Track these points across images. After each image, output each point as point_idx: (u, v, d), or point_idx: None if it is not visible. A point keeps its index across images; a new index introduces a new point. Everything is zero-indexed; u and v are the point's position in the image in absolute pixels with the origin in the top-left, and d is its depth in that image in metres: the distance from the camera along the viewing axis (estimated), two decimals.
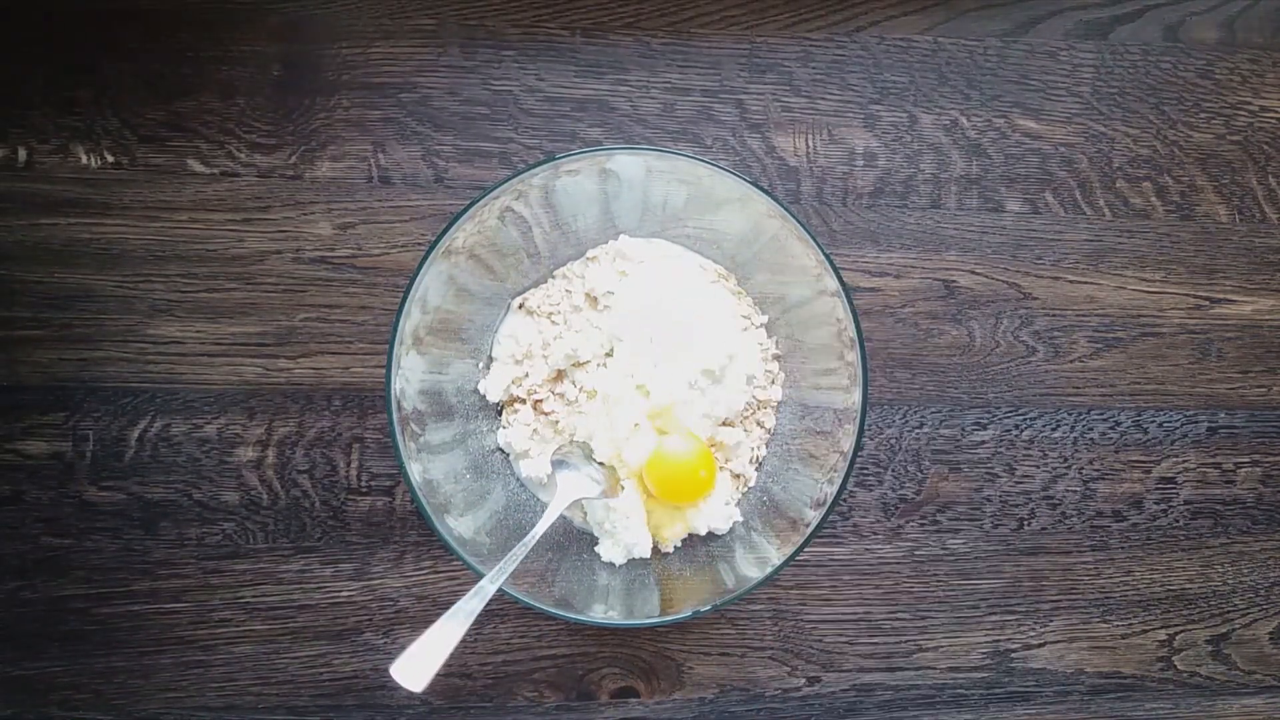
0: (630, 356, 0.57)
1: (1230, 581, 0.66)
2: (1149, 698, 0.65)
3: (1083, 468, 0.66)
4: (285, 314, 0.62)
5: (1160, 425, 0.67)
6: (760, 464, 0.61)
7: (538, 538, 0.49)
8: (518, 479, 0.60)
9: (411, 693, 0.49)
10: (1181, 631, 0.65)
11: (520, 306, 0.61)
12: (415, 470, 0.50)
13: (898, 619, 0.64)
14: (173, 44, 0.63)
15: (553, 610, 0.49)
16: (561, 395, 0.59)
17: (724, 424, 0.59)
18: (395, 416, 0.50)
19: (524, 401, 0.59)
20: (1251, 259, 0.68)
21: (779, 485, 0.59)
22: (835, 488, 0.52)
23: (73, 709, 0.59)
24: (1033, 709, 0.64)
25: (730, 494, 0.59)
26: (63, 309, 0.61)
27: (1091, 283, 0.67)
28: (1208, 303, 0.68)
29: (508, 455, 0.60)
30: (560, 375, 0.59)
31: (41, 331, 0.61)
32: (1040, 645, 0.64)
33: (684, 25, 0.66)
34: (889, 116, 0.66)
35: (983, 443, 0.65)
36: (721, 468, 0.59)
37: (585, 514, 0.59)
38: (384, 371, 0.50)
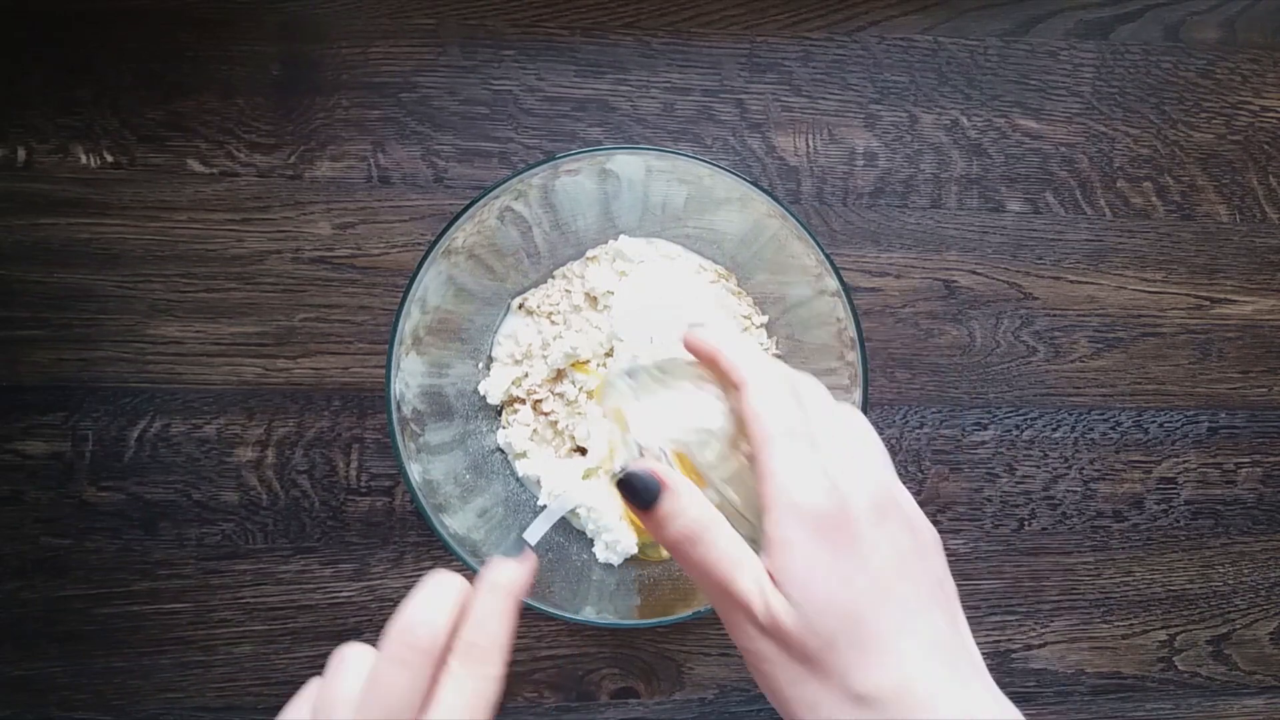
0: (630, 357, 0.57)
1: (1231, 582, 0.66)
2: (1150, 698, 0.65)
3: (1083, 468, 0.66)
4: (284, 314, 0.62)
5: (1161, 425, 0.66)
6: None
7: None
8: (517, 479, 0.60)
9: None
10: (1182, 632, 0.65)
11: (520, 306, 0.61)
12: (415, 471, 0.50)
13: None
14: (172, 44, 0.63)
15: (552, 611, 0.49)
16: (561, 395, 0.59)
17: None
18: (395, 417, 0.50)
19: (523, 401, 0.59)
20: (1252, 259, 0.68)
21: None
22: None
23: (72, 709, 0.59)
24: (1033, 710, 0.64)
25: None
26: (62, 309, 0.61)
27: (1092, 283, 0.67)
28: (1208, 303, 0.67)
29: (507, 455, 0.60)
30: (560, 375, 0.59)
31: (41, 331, 0.61)
32: (1041, 646, 0.64)
33: (684, 25, 0.65)
34: (889, 116, 0.66)
35: (983, 443, 0.65)
36: None
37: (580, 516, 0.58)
38: (383, 372, 0.50)
